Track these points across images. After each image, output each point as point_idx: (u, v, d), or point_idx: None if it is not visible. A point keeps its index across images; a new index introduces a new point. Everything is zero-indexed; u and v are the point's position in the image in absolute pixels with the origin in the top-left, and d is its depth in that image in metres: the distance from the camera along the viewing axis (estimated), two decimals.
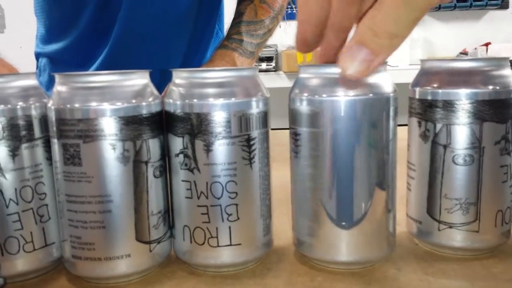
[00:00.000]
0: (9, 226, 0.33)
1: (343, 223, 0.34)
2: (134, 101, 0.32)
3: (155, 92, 0.34)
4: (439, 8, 2.73)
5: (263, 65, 2.38)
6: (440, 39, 2.79)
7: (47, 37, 0.89)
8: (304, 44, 0.33)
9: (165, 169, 0.35)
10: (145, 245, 0.34)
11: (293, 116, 0.35)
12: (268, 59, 2.46)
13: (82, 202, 0.32)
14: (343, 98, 0.33)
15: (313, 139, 0.34)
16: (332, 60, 0.34)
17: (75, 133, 0.32)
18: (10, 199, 0.33)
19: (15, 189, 0.33)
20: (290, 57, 2.33)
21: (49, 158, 0.35)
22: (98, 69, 0.83)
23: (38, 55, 0.91)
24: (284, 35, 2.37)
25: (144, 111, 0.33)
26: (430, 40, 2.78)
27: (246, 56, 0.84)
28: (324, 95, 0.33)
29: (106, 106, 0.31)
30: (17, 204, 0.33)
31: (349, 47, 0.28)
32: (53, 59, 0.89)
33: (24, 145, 0.33)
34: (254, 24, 0.84)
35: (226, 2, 0.96)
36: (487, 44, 2.66)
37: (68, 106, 0.32)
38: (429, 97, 0.36)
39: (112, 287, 0.34)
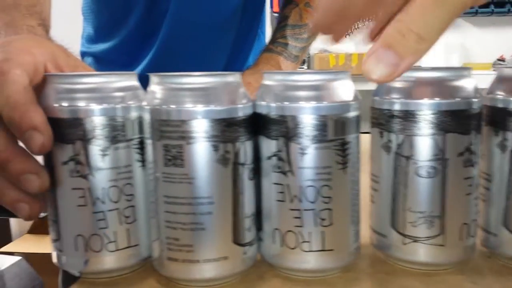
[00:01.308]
0: (94, 224, 0.34)
1: None
2: (233, 103, 0.33)
3: (247, 94, 0.35)
4: (476, 13, 2.69)
5: None
6: (477, 45, 2.76)
7: (95, 37, 0.90)
8: (320, 28, 0.32)
9: (256, 171, 0.36)
10: (240, 247, 0.34)
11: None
12: None
13: (182, 203, 0.33)
14: None
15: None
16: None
17: (179, 134, 0.32)
18: (97, 197, 0.34)
19: (103, 188, 0.34)
20: (322, 60, 2.34)
21: (140, 160, 0.35)
22: (144, 70, 0.84)
23: (83, 54, 0.93)
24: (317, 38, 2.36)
25: (241, 113, 0.33)
26: (466, 46, 2.75)
27: (291, 60, 0.84)
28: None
29: (211, 108, 0.32)
30: (103, 203, 0.34)
31: (374, 50, 0.27)
32: (98, 59, 0.91)
33: (115, 146, 0.34)
34: (299, 27, 0.85)
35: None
36: None
37: (173, 107, 0.32)
38: (391, 108, 0.35)
39: None
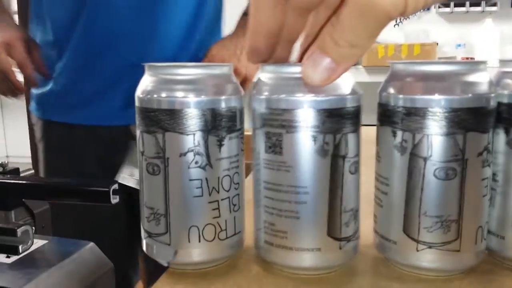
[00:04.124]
0: (208, 214, 0.36)
1: None
2: (338, 93, 0.33)
3: (356, 86, 0.34)
4: None
5: None
6: None
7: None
8: (255, 54, 0.32)
9: (359, 165, 0.35)
10: (335, 241, 0.35)
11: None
12: None
13: (279, 190, 0.34)
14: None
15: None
16: None
17: (279, 122, 0.33)
18: (213, 187, 0.36)
19: (218, 178, 0.36)
20: (371, 51, 2.29)
21: (243, 149, 0.37)
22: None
23: None
24: None
25: (348, 104, 0.33)
26: None
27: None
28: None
29: (312, 98, 0.33)
30: (218, 192, 0.36)
31: (311, 54, 0.28)
32: None
33: (228, 136, 0.36)
34: None
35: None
36: None
37: (275, 96, 0.34)
38: (406, 105, 0.33)
39: (301, 278, 0.35)
